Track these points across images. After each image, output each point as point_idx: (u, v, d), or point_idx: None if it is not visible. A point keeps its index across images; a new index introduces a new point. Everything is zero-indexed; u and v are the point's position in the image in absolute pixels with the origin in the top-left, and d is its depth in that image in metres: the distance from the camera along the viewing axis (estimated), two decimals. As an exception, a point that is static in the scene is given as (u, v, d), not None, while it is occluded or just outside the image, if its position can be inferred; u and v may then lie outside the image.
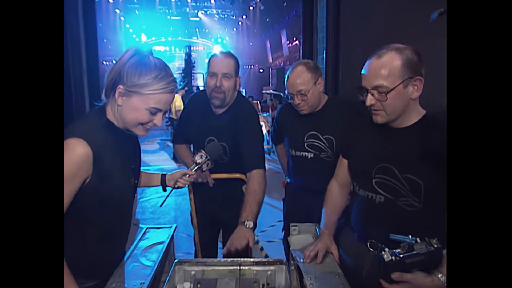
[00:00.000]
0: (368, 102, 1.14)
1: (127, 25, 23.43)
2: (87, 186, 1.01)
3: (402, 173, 1.13)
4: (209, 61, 1.75)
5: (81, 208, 1.03)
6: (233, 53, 1.80)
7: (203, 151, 1.47)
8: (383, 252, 0.98)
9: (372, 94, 1.12)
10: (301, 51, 5.68)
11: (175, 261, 1.22)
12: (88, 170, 0.99)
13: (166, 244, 1.37)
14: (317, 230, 1.52)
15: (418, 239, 0.98)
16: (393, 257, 0.97)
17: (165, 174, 1.48)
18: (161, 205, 1.67)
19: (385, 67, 1.08)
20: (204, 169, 1.49)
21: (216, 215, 2.00)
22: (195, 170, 1.45)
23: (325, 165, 1.72)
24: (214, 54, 1.75)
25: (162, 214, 4.15)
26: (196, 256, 2.04)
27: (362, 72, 1.15)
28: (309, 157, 1.78)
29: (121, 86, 1.00)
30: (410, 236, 1.00)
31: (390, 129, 1.19)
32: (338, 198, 1.44)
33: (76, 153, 0.96)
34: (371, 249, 1.22)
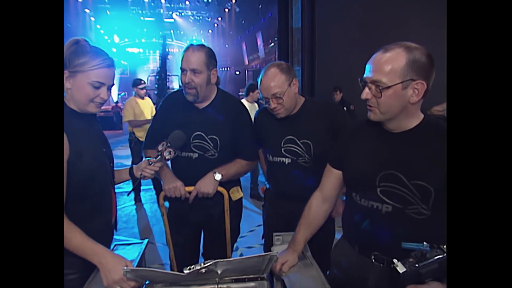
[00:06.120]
0: (363, 96, 1.08)
1: (98, 26, 22.70)
2: (68, 164, 1.16)
3: (410, 180, 1.06)
4: (182, 55, 1.69)
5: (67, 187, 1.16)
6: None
7: (165, 139, 1.49)
8: (395, 264, 0.90)
9: (370, 88, 1.06)
10: (277, 53, 5.69)
11: (146, 283, 1.12)
12: (66, 150, 1.15)
13: (135, 264, 1.25)
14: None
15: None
16: (408, 268, 0.88)
17: (133, 167, 1.50)
18: (128, 194, 1.74)
19: (387, 63, 1.02)
20: (166, 157, 1.48)
21: (196, 227, 1.88)
22: (157, 159, 1.47)
23: (303, 171, 1.67)
24: (187, 48, 1.68)
25: (136, 223, 3.88)
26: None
27: (367, 64, 1.08)
28: (286, 162, 1.71)
29: (66, 71, 1.17)
30: (424, 243, 0.91)
31: (388, 134, 1.13)
32: (318, 214, 1.33)
33: None
34: (376, 262, 1.15)
